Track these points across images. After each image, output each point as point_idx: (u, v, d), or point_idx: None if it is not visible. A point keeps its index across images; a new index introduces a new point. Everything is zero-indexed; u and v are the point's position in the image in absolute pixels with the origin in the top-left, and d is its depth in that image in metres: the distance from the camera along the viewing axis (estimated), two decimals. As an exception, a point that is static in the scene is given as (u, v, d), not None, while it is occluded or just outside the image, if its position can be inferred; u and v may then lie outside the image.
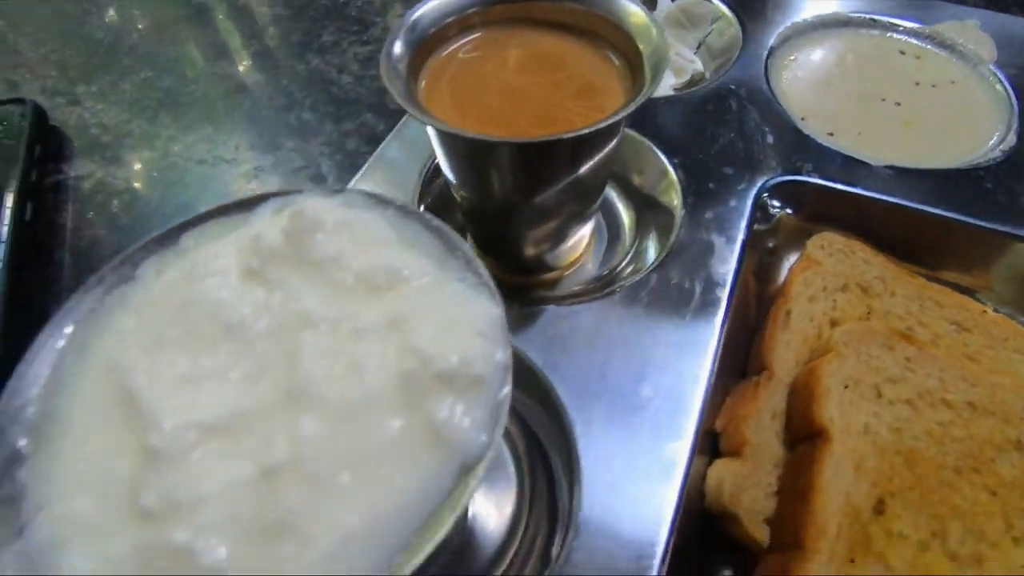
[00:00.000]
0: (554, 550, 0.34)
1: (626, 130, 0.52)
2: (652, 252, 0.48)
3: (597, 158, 0.38)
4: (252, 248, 0.25)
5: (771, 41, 0.59)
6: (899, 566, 0.31)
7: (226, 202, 0.28)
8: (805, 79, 0.57)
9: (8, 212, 0.51)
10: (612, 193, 0.53)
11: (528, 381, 0.39)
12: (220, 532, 0.18)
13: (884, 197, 0.47)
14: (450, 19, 0.38)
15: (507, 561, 0.35)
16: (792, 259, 0.48)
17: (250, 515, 0.18)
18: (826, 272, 0.45)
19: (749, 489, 0.34)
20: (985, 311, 0.43)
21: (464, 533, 0.35)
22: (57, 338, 0.23)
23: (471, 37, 0.39)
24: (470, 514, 0.36)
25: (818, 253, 0.46)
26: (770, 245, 0.49)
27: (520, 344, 0.40)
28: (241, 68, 0.70)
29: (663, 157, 0.50)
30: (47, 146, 0.60)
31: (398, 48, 0.36)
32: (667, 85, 0.59)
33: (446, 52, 0.39)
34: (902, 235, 0.47)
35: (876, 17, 0.61)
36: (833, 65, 0.58)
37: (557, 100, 0.39)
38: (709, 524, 0.36)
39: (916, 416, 0.36)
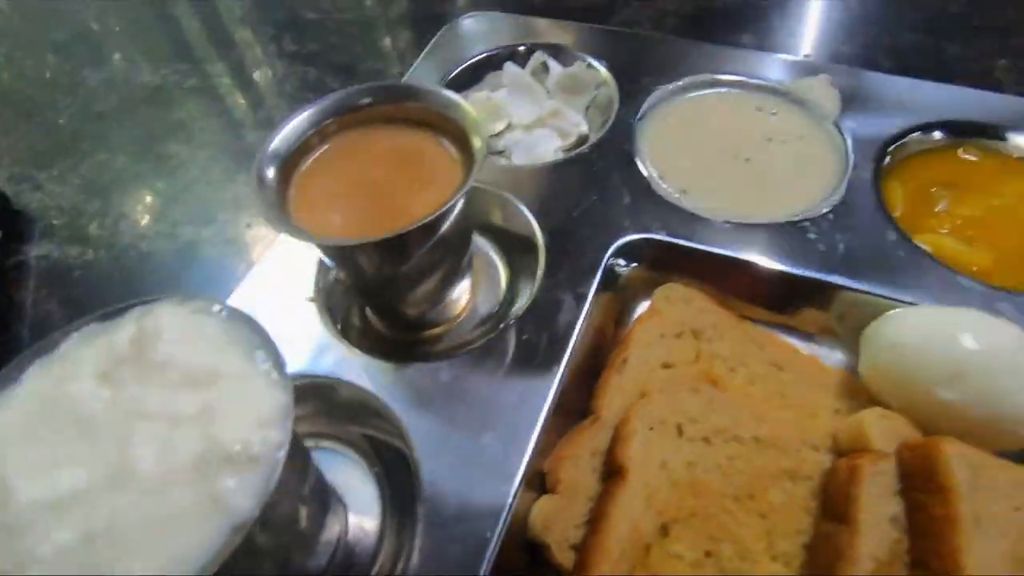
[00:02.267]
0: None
1: (504, 194, 0.59)
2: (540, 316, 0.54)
3: (443, 236, 0.45)
4: (107, 353, 0.32)
5: (642, 104, 0.66)
6: (672, 583, 0.37)
7: (107, 309, 0.35)
8: (667, 140, 0.63)
9: (-29, 293, 0.59)
10: (493, 253, 0.60)
11: (390, 432, 0.46)
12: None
13: (719, 250, 0.53)
14: (309, 133, 0.45)
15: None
16: (644, 308, 0.55)
17: (72, 570, 0.25)
18: (665, 320, 0.51)
19: (560, 521, 0.40)
20: (797, 352, 0.50)
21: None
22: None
23: (328, 145, 0.46)
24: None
25: (662, 303, 0.52)
26: (625, 296, 0.56)
27: (389, 398, 0.47)
28: (185, 146, 0.78)
29: (532, 221, 0.57)
30: (10, 229, 0.68)
31: (265, 170, 0.43)
32: (553, 149, 0.66)
33: (309, 163, 0.46)
34: (738, 284, 0.54)
35: (742, 78, 0.68)
36: (694, 125, 0.65)
37: (408, 192, 0.46)
38: (536, 553, 0.42)
39: (709, 451, 0.42)
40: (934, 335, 0.42)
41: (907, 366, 0.42)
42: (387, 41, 0.88)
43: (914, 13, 0.82)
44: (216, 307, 0.34)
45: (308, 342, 0.51)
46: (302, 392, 0.48)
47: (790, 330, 0.53)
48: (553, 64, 0.73)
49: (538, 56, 0.74)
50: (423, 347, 0.55)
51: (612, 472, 0.41)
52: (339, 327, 0.53)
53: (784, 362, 0.49)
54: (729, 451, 0.42)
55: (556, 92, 0.71)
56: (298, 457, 0.38)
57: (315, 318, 0.53)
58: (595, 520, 0.39)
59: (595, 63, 0.71)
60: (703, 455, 0.42)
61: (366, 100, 0.46)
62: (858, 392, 0.46)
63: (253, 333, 0.33)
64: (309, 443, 0.50)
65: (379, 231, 0.41)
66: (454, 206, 0.42)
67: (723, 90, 0.67)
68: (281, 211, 0.43)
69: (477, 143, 0.44)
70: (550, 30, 0.77)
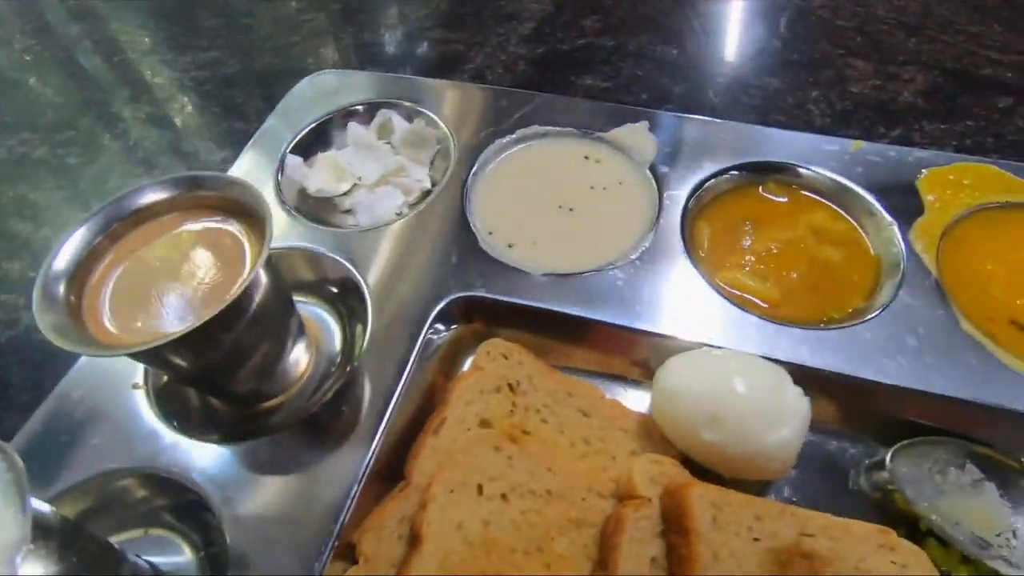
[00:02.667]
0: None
1: (338, 259, 0.61)
2: (364, 378, 0.56)
3: (255, 314, 0.47)
4: None
5: (477, 158, 0.69)
6: (459, 642, 0.40)
7: None
8: (497, 194, 0.67)
9: None
10: (329, 318, 0.62)
11: (209, 515, 0.47)
12: None
13: (535, 303, 0.57)
14: (97, 240, 0.46)
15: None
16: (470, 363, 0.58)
17: None
18: (485, 376, 0.54)
19: (361, 592, 0.43)
20: (603, 397, 0.53)
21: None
22: None
23: (119, 248, 0.47)
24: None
25: (483, 359, 0.55)
26: (456, 352, 0.59)
27: (208, 480, 0.48)
28: (30, 223, 0.77)
29: (363, 286, 0.59)
30: None
31: (53, 290, 0.43)
32: (397, 206, 0.69)
33: (100, 271, 0.46)
34: (554, 335, 0.57)
35: (570, 128, 0.72)
36: (524, 177, 0.68)
37: (209, 281, 0.47)
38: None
39: (506, 508, 0.45)
40: (700, 379, 0.47)
41: (678, 409, 0.47)
42: (242, 100, 0.89)
43: (740, 52, 0.89)
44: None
45: (133, 430, 0.51)
46: (119, 488, 0.49)
47: (604, 376, 0.57)
48: (397, 120, 0.75)
49: (383, 113, 0.76)
50: (261, 419, 0.56)
51: (413, 539, 0.43)
52: (169, 411, 0.54)
53: (591, 408, 0.52)
54: (523, 506, 0.45)
55: (401, 148, 0.74)
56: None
57: (143, 405, 0.53)
58: (392, 588, 0.42)
59: (435, 118, 0.74)
60: (499, 512, 0.45)
61: (154, 196, 0.47)
62: (654, 433, 0.50)
63: (8, 466, 0.34)
64: (154, 531, 0.50)
65: (183, 326, 0.42)
66: (245, 292, 0.44)
67: (554, 139, 0.71)
68: (75, 328, 0.43)
69: (265, 223, 0.45)
70: (398, 86, 0.79)
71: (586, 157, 0.70)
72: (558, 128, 0.72)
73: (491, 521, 0.44)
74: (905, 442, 0.49)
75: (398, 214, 0.67)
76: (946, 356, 0.51)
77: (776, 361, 0.50)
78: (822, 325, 0.55)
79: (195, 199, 0.49)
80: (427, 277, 0.59)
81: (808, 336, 0.53)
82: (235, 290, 0.42)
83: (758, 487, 0.49)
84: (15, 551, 0.30)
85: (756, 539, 0.40)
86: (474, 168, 0.69)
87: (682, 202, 0.64)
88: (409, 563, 0.42)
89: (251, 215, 0.48)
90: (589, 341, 0.57)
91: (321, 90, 0.79)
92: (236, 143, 0.80)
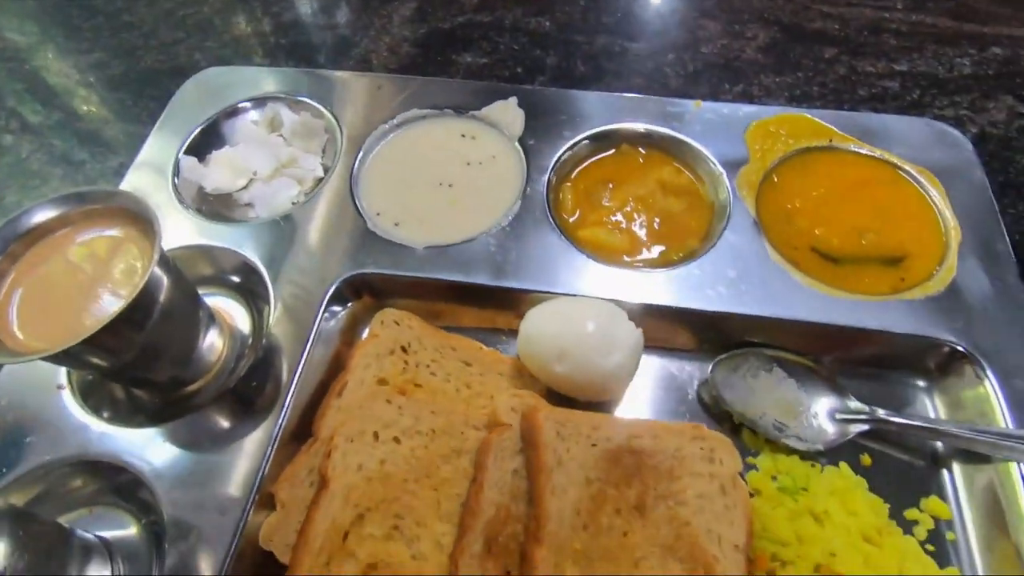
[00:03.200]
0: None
1: (238, 252, 0.67)
2: (273, 355, 0.62)
3: (152, 317, 0.52)
4: None
5: (361, 147, 0.75)
6: (364, 556, 0.49)
7: None
8: (382, 177, 0.73)
9: None
10: (239, 307, 0.68)
11: (144, 487, 0.54)
12: None
13: (419, 274, 0.65)
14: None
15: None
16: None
17: None
18: (380, 341, 0.62)
19: (281, 531, 0.51)
20: (481, 348, 0.62)
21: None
22: None
23: (19, 265, 0.52)
24: None
25: (378, 327, 0.63)
26: (355, 324, 0.66)
27: (139, 460, 0.55)
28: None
29: (264, 273, 0.66)
30: None
31: None
32: (293, 195, 0.74)
33: (5, 287, 0.51)
34: (439, 299, 0.65)
35: (448, 109, 0.78)
36: (406, 159, 0.75)
37: (111, 287, 0.53)
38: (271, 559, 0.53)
39: (398, 448, 0.54)
40: (551, 324, 0.56)
41: (536, 350, 0.56)
42: (132, 103, 0.90)
43: (605, 20, 0.96)
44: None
45: (64, 426, 0.57)
46: (58, 475, 0.55)
47: (485, 330, 0.66)
48: (285, 113, 0.80)
49: (271, 107, 0.80)
50: (184, 402, 0.62)
51: (320, 482, 0.52)
52: (97, 405, 0.60)
53: (472, 359, 0.62)
54: (413, 444, 0.54)
55: (292, 140, 0.79)
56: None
57: (70, 403, 0.59)
58: (304, 521, 0.50)
59: (321, 108, 0.79)
60: (393, 452, 0.53)
61: (45, 214, 0.52)
62: (524, 372, 0.60)
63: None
64: (98, 508, 0.57)
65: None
66: (147, 291, 0.50)
67: (432, 121, 0.78)
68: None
69: (154, 226, 0.51)
70: (283, 79, 0.83)
71: (463, 135, 0.77)
72: (436, 110, 0.78)
73: (386, 459, 0.53)
74: (724, 355, 0.61)
75: (294, 203, 0.73)
76: (758, 283, 0.63)
77: (624, 302, 0.61)
78: (664, 267, 0.65)
79: (85, 213, 0.53)
80: (322, 259, 0.66)
81: (650, 278, 0.64)
82: (133, 292, 0.48)
83: (609, 408, 0.60)
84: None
85: (593, 444, 0.51)
86: (360, 154, 0.75)
87: (547, 171, 0.72)
88: (318, 501, 0.50)
89: (141, 221, 0.53)
90: (469, 302, 0.65)
91: (209, 88, 0.82)
92: (130, 147, 0.83)
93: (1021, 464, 0.52)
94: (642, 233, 0.69)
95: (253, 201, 0.74)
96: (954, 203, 0.67)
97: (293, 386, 0.58)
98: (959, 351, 0.58)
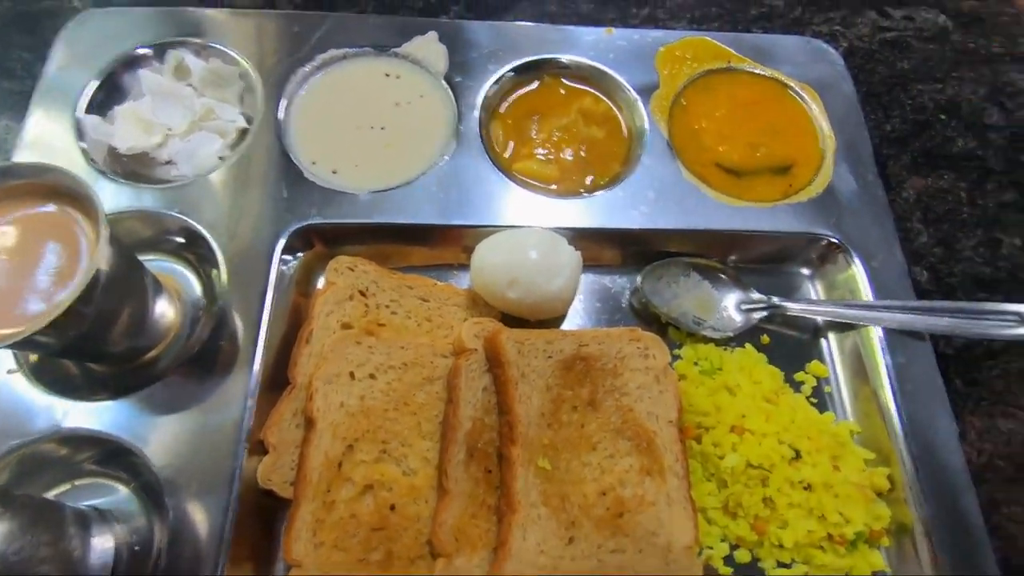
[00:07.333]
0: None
1: (173, 214, 0.65)
2: (231, 314, 0.63)
3: (96, 293, 0.52)
4: None
5: (282, 92, 0.73)
6: (359, 479, 0.55)
7: None
8: (312, 124, 0.72)
9: None
10: (184, 270, 0.67)
11: (132, 454, 0.56)
12: None
13: (365, 220, 0.67)
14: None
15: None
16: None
17: None
18: (338, 289, 0.65)
19: (277, 471, 0.56)
20: (435, 284, 0.67)
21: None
22: None
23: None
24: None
25: (333, 275, 0.66)
26: (308, 278, 0.68)
27: (121, 429, 0.56)
28: None
29: (206, 233, 0.65)
30: None
31: None
32: (217, 149, 0.71)
33: None
34: (388, 242, 0.68)
35: (367, 47, 0.77)
36: (333, 103, 0.74)
37: (52, 265, 0.51)
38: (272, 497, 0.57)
39: (375, 383, 0.59)
40: (500, 254, 0.62)
41: (488, 279, 0.62)
42: (1, 54, 0.80)
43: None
44: None
45: (25, 409, 0.57)
46: (32, 456, 0.56)
47: (437, 267, 0.70)
48: (191, 60, 0.74)
49: (174, 54, 0.75)
50: (145, 371, 0.63)
51: (307, 424, 0.56)
52: (52, 384, 0.59)
53: (428, 295, 0.66)
54: (388, 378, 0.59)
55: (204, 89, 0.74)
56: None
57: (26, 386, 0.58)
58: (299, 460, 0.55)
59: (232, 53, 0.75)
60: (370, 387, 0.59)
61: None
62: (478, 302, 0.66)
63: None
64: (80, 481, 0.58)
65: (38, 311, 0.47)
66: (91, 275, 0.49)
67: (353, 61, 0.76)
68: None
69: (92, 201, 0.50)
70: (182, 20, 0.77)
71: (387, 75, 0.76)
72: (355, 49, 0.77)
73: (365, 395, 0.58)
74: (649, 267, 0.69)
75: (221, 158, 0.71)
76: (674, 200, 0.71)
77: (558, 228, 0.67)
78: (590, 193, 0.72)
79: (8, 189, 0.51)
80: (264, 214, 0.66)
81: (579, 204, 0.70)
82: (84, 273, 0.48)
83: (557, 323, 0.68)
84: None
85: (549, 356, 0.58)
86: (283, 100, 0.73)
87: (476, 108, 0.74)
88: (309, 439, 0.55)
89: (73, 196, 0.51)
90: (418, 242, 0.69)
91: (94, 34, 0.75)
92: (13, 107, 0.75)
93: (877, 328, 0.66)
94: (570, 162, 0.74)
95: (174, 158, 0.71)
96: (830, 114, 0.78)
97: (261, 339, 0.60)
98: (834, 243, 0.70)
